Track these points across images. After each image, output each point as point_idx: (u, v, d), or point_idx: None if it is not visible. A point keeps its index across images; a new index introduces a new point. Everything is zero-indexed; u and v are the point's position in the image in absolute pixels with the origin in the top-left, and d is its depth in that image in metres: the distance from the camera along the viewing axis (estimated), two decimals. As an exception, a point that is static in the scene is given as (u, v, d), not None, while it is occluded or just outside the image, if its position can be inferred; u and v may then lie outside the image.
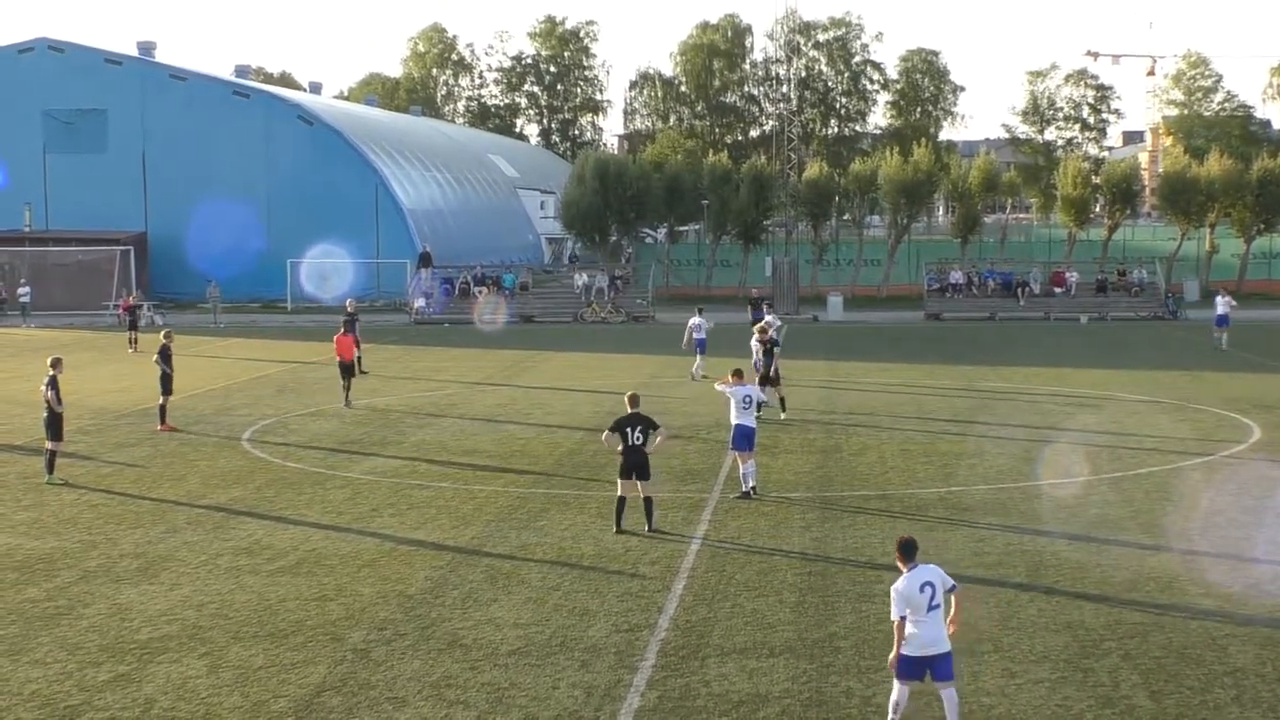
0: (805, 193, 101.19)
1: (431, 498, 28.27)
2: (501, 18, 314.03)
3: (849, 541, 24.27)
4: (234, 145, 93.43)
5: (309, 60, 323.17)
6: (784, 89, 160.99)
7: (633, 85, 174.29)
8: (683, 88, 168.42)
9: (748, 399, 28.36)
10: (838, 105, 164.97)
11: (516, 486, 29.43)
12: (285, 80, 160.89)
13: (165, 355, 37.92)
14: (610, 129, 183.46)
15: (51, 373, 30.10)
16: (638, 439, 24.65)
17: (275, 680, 17.25)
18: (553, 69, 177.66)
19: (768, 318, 51.22)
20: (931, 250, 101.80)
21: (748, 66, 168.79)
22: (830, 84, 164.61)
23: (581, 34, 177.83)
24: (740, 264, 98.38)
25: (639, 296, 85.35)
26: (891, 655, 15.28)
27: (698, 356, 47.56)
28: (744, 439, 28.04)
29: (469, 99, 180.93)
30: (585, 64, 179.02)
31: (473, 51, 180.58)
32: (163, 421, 37.18)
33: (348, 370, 43.15)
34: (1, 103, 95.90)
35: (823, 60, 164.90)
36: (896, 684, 15.20)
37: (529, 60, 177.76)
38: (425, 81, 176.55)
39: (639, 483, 24.79)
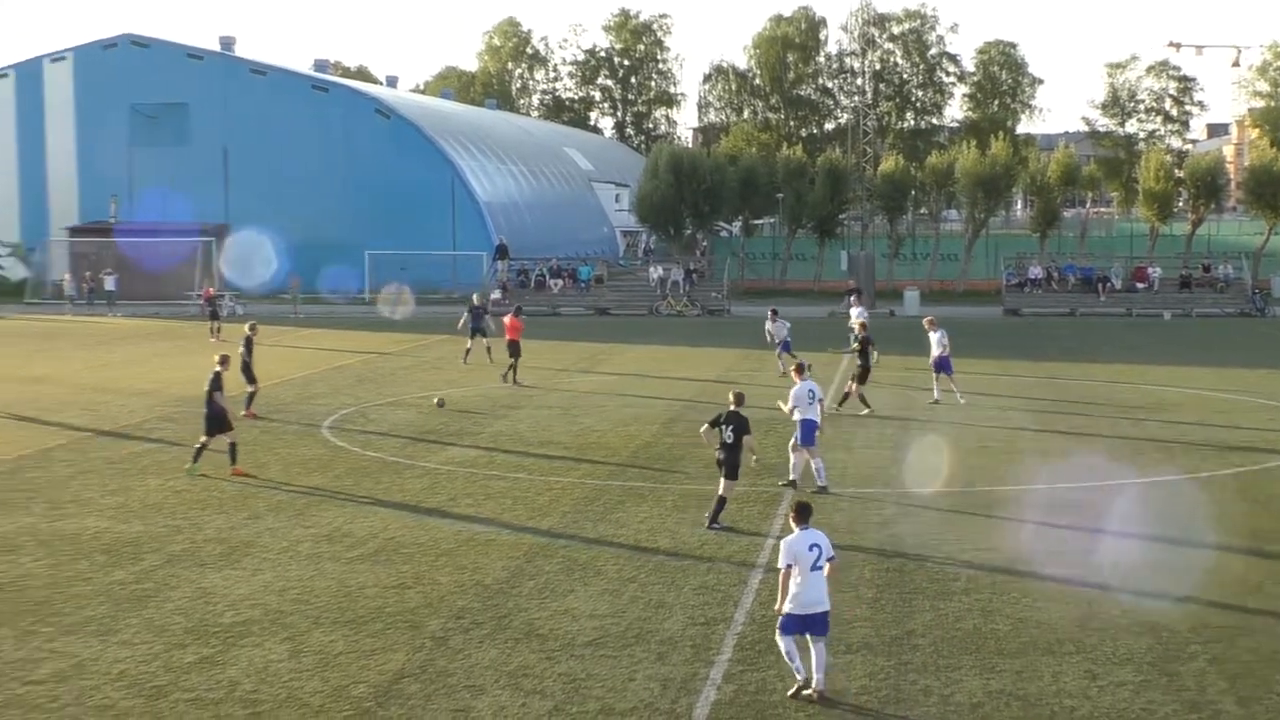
0: (881, 186, 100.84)
1: (508, 488, 28.40)
2: (575, 11, 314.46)
3: (926, 538, 24.16)
4: (313, 138, 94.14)
5: (386, 54, 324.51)
6: (859, 82, 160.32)
7: (706, 78, 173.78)
8: (756, 81, 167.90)
9: (811, 393, 28.28)
10: (913, 98, 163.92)
11: (593, 478, 29.53)
12: (363, 74, 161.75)
13: (248, 346, 38.38)
14: (684, 122, 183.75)
15: (217, 369, 30.07)
16: (728, 437, 24.68)
17: (355, 666, 17.42)
18: (626, 62, 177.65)
19: (852, 310, 51.36)
20: (1009, 245, 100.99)
21: (822, 59, 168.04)
22: (905, 76, 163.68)
23: (655, 27, 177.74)
24: (815, 258, 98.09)
25: (714, 290, 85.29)
26: (778, 604, 16.43)
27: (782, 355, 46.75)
28: (810, 434, 28.07)
29: (543, 92, 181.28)
30: (659, 57, 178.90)
31: (547, 45, 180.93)
32: (247, 408, 37.52)
33: (515, 349, 45.02)
34: (89, 97, 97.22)
35: (898, 53, 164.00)
36: (782, 638, 16.28)
37: (603, 53, 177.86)
38: (500, 75, 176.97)
39: (723, 480, 24.79)
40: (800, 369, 29.48)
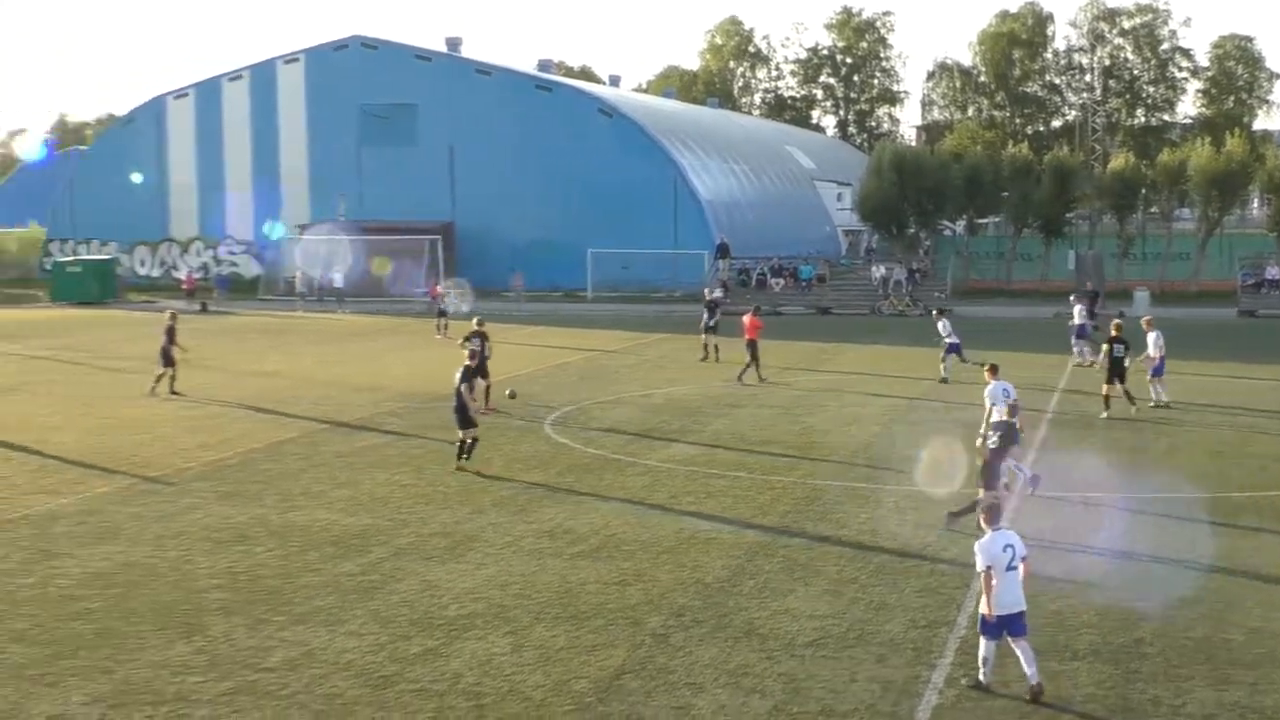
0: (1110, 184, 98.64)
1: (728, 486, 28.40)
2: (798, 9, 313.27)
3: (1155, 544, 23.62)
4: (536, 138, 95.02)
5: (609, 54, 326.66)
6: (1087, 78, 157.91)
7: (930, 76, 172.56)
8: (982, 78, 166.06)
9: (1006, 392, 28.09)
10: (1144, 94, 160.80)
11: (814, 478, 29.39)
12: (586, 74, 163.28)
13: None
14: (907, 120, 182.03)
15: (467, 363, 30.48)
16: (994, 443, 24.43)
17: (576, 661, 17.55)
18: (849, 60, 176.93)
19: (1075, 309, 50.58)
20: (1245, 244, 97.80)
21: (1049, 55, 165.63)
22: (1136, 72, 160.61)
23: (878, 24, 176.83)
24: (1041, 257, 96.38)
25: (937, 289, 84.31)
26: (984, 607, 16.45)
27: (947, 358, 46.01)
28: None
29: (765, 91, 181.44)
30: (882, 55, 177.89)
31: (769, 44, 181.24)
32: (486, 403, 37.96)
33: (753, 348, 45.24)
34: (320, 98, 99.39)
35: (1128, 48, 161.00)
36: (984, 640, 16.36)
37: (825, 52, 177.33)
38: (722, 74, 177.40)
39: (981, 487, 24.47)
40: (994, 369, 29.25)
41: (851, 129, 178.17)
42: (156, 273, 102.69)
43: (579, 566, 21.97)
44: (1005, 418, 26.84)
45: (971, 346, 52.93)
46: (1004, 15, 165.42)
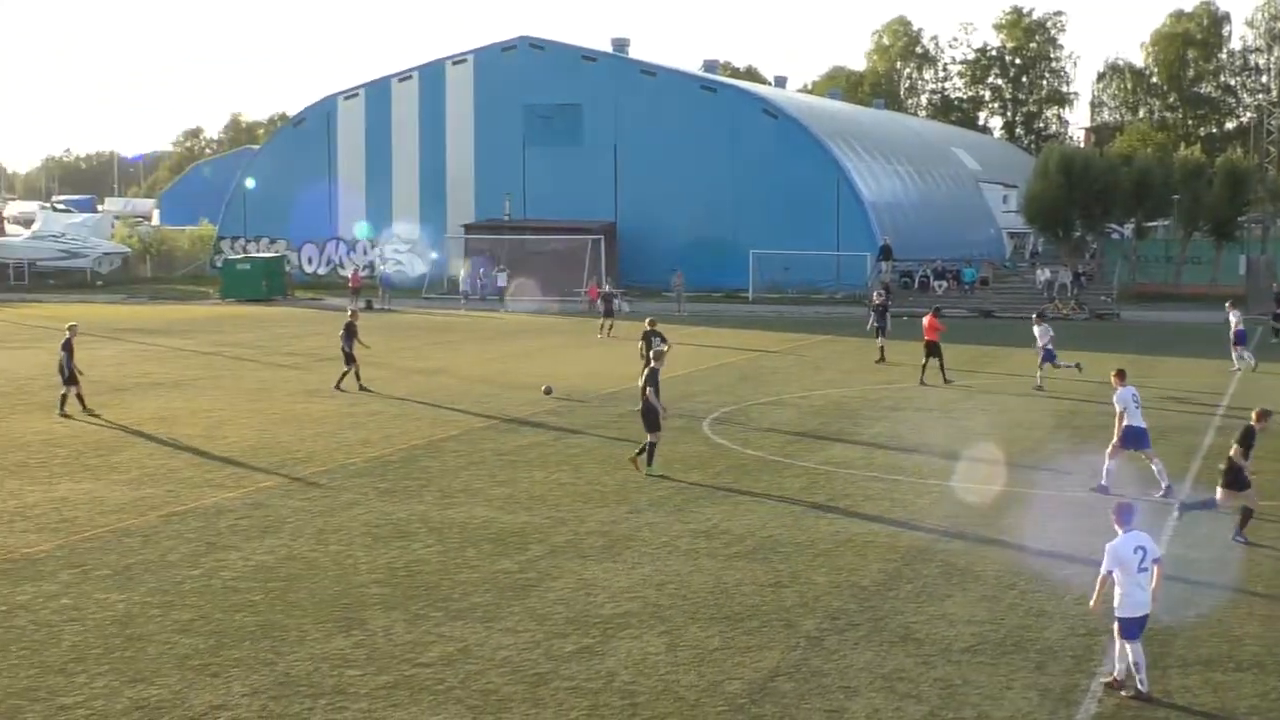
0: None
1: (887, 490, 28.19)
2: (967, 9, 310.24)
3: (1323, 553, 23.09)
4: (700, 138, 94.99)
5: (775, 54, 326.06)
6: (1263, 79, 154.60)
7: (1100, 77, 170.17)
8: (1154, 79, 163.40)
9: (1135, 397, 27.91)
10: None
11: (972, 482, 29.11)
12: (751, 75, 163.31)
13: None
14: (1076, 121, 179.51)
15: (654, 365, 30.52)
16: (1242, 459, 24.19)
17: (730, 662, 17.51)
18: (1018, 61, 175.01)
19: (1231, 315, 49.78)
20: None
21: (1224, 56, 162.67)
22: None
23: (1049, 25, 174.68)
24: (1211, 262, 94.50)
25: (1103, 293, 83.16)
26: (1092, 603, 16.97)
27: (1044, 365, 44.97)
28: (1133, 438, 27.75)
29: (932, 92, 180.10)
30: (1052, 55, 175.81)
31: (937, 44, 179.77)
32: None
33: (934, 350, 45.19)
34: (487, 98, 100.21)
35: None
36: (1131, 645, 16.27)
37: (994, 52, 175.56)
38: (889, 75, 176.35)
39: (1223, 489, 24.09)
40: (1121, 374, 28.77)
41: (1019, 130, 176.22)
42: (323, 270, 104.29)
43: (735, 567, 21.93)
44: (1133, 422, 27.42)
45: (1139, 352, 52.23)
46: (1178, 15, 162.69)
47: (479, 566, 21.98)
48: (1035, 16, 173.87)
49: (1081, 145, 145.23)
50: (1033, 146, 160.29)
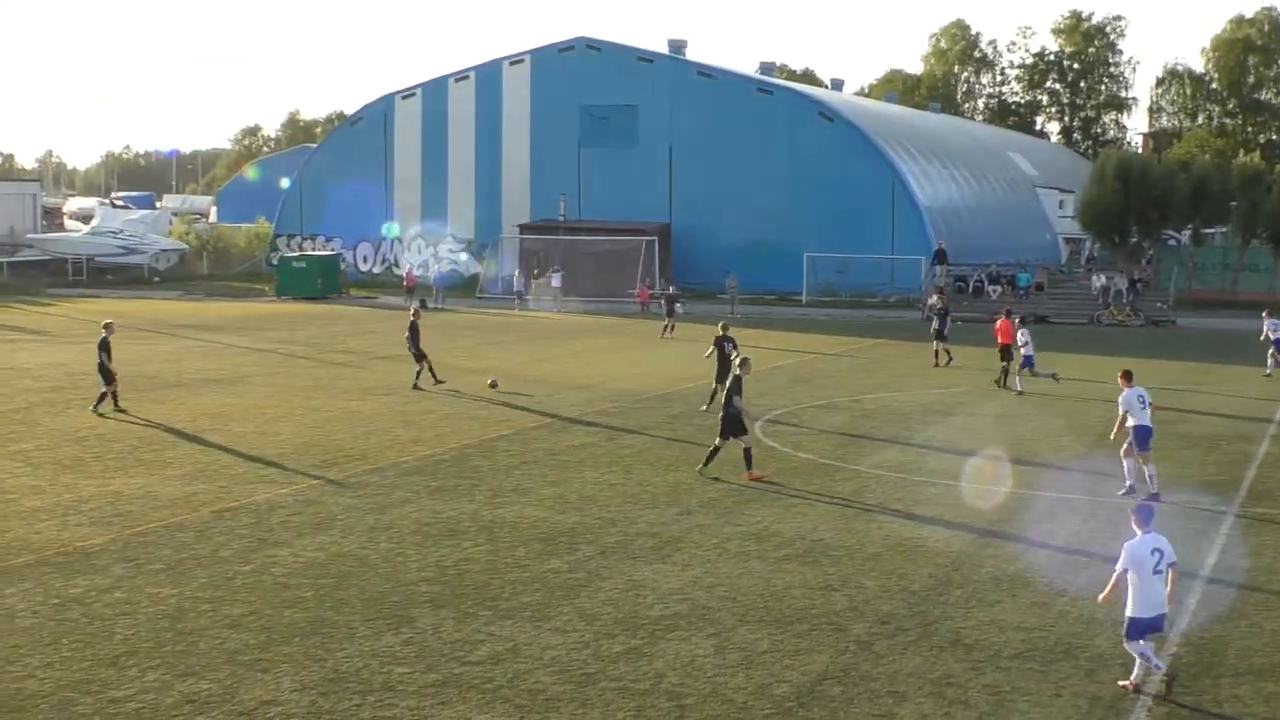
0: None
1: (938, 495, 28.09)
2: (1026, 13, 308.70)
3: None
4: (755, 141, 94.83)
5: (832, 57, 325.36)
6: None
7: (1159, 82, 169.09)
8: (1213, 84, 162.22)
9: (1141, 399, 28.15)
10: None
11: (1024, 487, 28.96)
12: (808, 77, 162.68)
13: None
14: (1134, 127, 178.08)
15: (737, 373, 30.36)
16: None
17: (779, 665, 17.47)
18: (1076, 65, 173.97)
19: (1267, 323, 49.70)
20: None
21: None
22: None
23: (1108, 29, 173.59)
24: (1270, 269, 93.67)
25: (1159, 300, 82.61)
26: (1102, 596, 17.34)
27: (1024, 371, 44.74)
28: (1142, 438, 27.99)
29: (989, 96, 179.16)
30: (1111, 60, 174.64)
31: (995, 48, 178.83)
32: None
33: (1007, 354, 45.27)
34: (543, 98, 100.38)
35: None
36: (1130, 644, 16.69)
37: (1052, 57, 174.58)
38: (946, 78, 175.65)
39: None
40: (1127, 376, 29.05)
41: (1076, 135, 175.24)
42: (379, 269, 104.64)
43: (785, 570, 21.88)
44: (1140, 421, 27.74)
45: (1195, 359, 51.92)
46: (1239, 21, 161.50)
47: (528, 566, 22.01)
48: (1094, 21, 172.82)
49: (1139, 151, 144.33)
50: (1090, 152, 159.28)
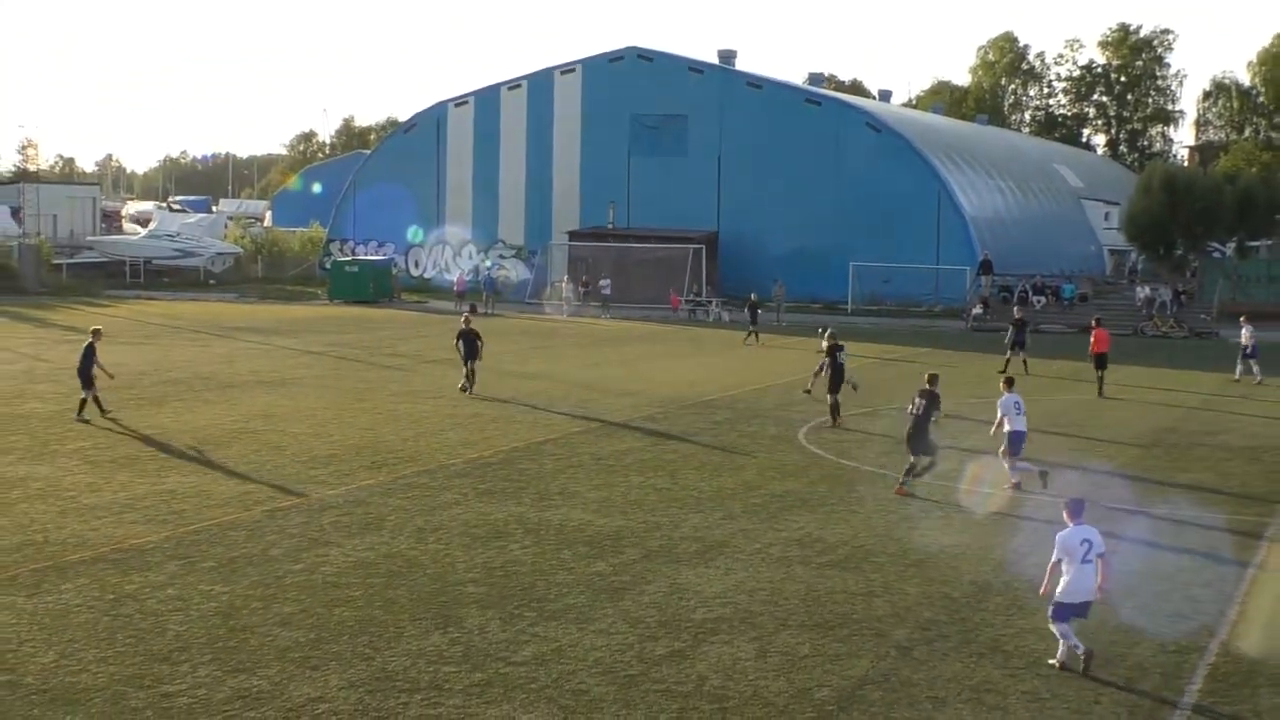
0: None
1: (980, 501, 28.02)
2: (1074, 26, 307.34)
3: None
4: (803, 150, 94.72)
5: (880, 69, 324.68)
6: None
7: (1206, 95, 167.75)
8: (1260, 98, 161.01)
9: (1017, 405, 29.67)
10: None
11: (1065, 495, 28.80)
12: (856, 88, 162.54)
13: (833, 353, 38.21)
14: (1181, 140, 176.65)
15: (926, 386, 29.83)
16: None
17: (820, 669, 17.48)
18: (1123, 78, 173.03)
19: (1244, 330, 49.98)
20: None
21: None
22: None
23: (1155, 43, 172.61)
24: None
25: (1202, 312, 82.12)
26: (1042, 589, 18.11)
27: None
28: (1015, 441, 29.66)
29: (1036, 108, 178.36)
30: (1158, 73, 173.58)
31: (1043, 61, 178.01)
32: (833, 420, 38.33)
33: (1101, 362, 46.25)
34: (594, 108, 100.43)
35: None
36: (1058, 625, 17.57)
37: (1099, 69, 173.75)
38: (994, 90, 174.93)
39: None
40: (1009, 383, 30.75)
41: (1122, 148, 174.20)
42: (430, 274, 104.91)
43: (826, 576, 21.88)
44: (1014, 428, 29.37)
45: (1230, 369, 51.76)
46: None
47: (574, 568, 22.08)
48: (1142, 34, 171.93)
49: (1185, 164, 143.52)
50: (1136, 164, 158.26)
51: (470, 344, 43.17)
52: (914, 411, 28.77)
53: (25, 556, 22.17)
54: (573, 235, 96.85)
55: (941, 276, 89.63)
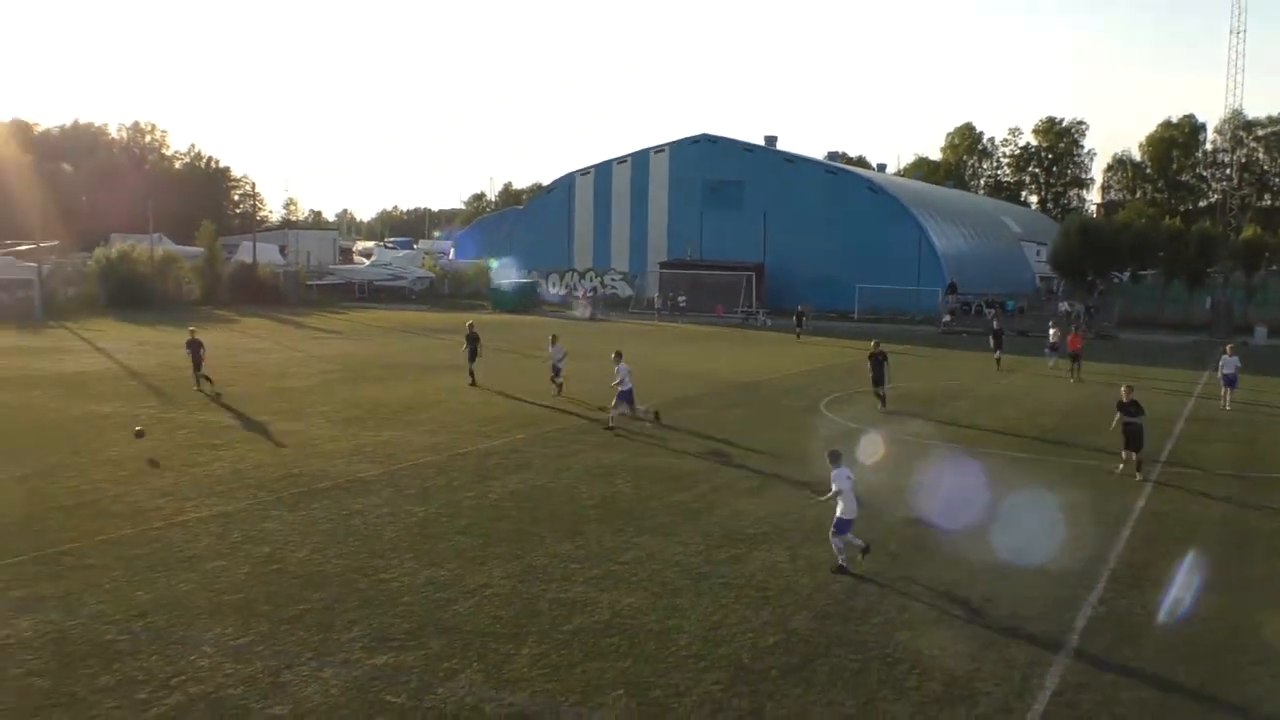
0: (1241, 249, 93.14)
1: (943, 453, 27.70)
2: (1015, 117, 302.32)
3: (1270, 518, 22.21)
4: (822, 207, 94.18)
5: (877, 145, 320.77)
6: (1228, 171, 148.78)
7: (1109, 168, 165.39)
8: (1148, 170, 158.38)
9: (629, 373, 30.07)
10: (1271, 183, 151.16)
11: (1013, 450, 28.45)
12: (860, 161, 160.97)
13: (877, 359, 35.94)
14: (1091, 199, 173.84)
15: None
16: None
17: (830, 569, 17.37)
18: (1050, 155, 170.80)
19: (1051, 331, 48.84)
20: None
21: (1200, 154, 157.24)
22: (1266, 168, 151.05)
23: (1073, 130, 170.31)
24: (1185, 301, 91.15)
25: (1106, 320, 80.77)
26: (822, 499, 18.08)
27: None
28: (625, 397, 29.74)
29: (988, 176, 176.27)
30: (1075, 152, 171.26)
31: (993, 143, 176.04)
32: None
33: (1075, 356, 45.76)
34: (678, 175, 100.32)
35: (1260, 150, 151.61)
36: (839, 538, 17.19)
37: (1033, 149, 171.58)
38: (958, 163, 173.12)
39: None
40: (619, 355, 30.80)
41: (1049, 204, 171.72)
42: (562, 292, 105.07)
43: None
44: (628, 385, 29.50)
45: (1126, 362, 50.66)
46: (1167, 124, 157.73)
47: (662, 497, 22.04)
48: (1064, 124, 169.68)
49: (1095, 216, 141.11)
50: (1059, 216, 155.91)
51: (473, 348, 40.14)
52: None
53: (287, 485, 22.47)
54: (662, 265, 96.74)
55: (920, 295, 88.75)
